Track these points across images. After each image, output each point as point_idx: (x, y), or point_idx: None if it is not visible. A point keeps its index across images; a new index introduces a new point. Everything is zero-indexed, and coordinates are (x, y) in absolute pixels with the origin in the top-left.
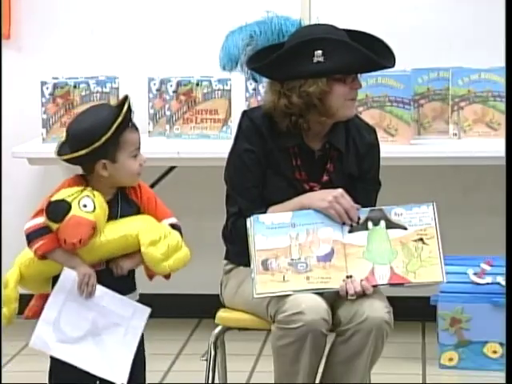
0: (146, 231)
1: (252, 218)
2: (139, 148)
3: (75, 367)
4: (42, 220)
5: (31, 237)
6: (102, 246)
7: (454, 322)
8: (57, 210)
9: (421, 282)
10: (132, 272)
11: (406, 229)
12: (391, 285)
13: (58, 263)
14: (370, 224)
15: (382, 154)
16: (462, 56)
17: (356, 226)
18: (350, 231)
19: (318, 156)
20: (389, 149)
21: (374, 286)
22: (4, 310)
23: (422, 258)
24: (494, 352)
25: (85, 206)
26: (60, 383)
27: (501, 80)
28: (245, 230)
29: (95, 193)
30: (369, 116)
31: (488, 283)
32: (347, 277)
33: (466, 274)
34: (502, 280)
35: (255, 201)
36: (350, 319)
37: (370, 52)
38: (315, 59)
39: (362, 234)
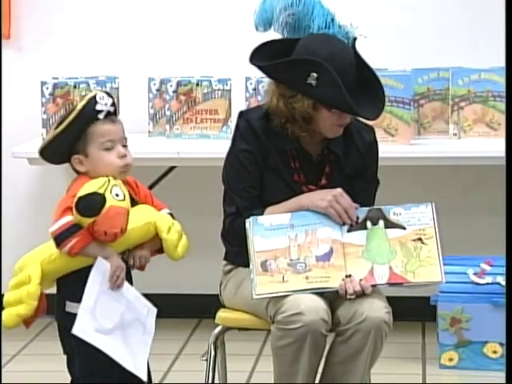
0: (161, 218)
1: (251, 219)
2: (115, 141)
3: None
4: (69, 218)
5: (62, 237)
6: (128, 234)
7: (454, 322)
8: (91, 204)
9: (420, 282)
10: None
11: (404, 228)
12: (390, 284)
13: (90, 257)
14: (368, 223)
15: (382, 154)
16: (461, 56)
17: (355, 226)
18: (348, 231)
19: (316, 160)
20: (389, 149)
21: (373, 286)
22: (22, 307)
23: (420, 258)
24: (494, 352)
25: (117, 195)
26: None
27: (501, 80)
28: (242, 230)
29: (119, 182)
30: None
31: (488, 283)
32: (346, 276)
33: (466, 274)
34: (502, 280)
35: (252, 200)
36: (349, 319)
37: (356, 97)
38: (309, 80)
39: (360, 234)
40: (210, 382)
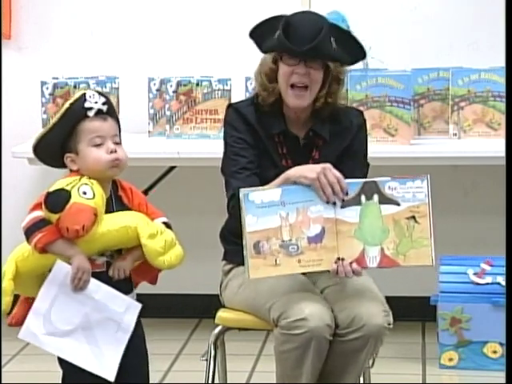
0: (144, 224)
1: (242, 194)
2: (104, 137)
3: (88, 372)
4: (39, 213)
5: (30, 231)
6: (102, 236)
7: (454, 322)
8: (56, 200)
9: (410, 266)
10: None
11: (398, 204)
12: (381, 267)
13: (57, 255)
14: (363, 198)
15: (382, 154)
16: (462, 56)
17: (348, 200)
18: (342, 206)
19: (302, 144)
20: (389, 149)
21: (364, 268)
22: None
23: (413, 238)
24: (494, 352)
25: (84, 193)
26: None
27: (501, 80)
28: (239, 210)
29: (92, 181)
30: (369, 116)
31: (488, 283)
32: (338, 259)
33: (466, 274)
34: (502, 280)
35: (246, 180)
36: (348, 324)
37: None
38: (333, 45)
39: (354, 210)
40: (209, 381)
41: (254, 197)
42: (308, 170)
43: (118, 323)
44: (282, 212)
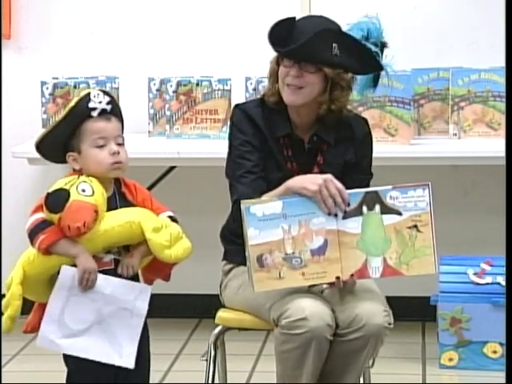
0: (147, 219)
1: (244, 207)
2: (107, 138)
3: (93, 371)
4: (40, 215)
5: (33, 233)
6: (105, 232)
7: (454, 322)
8: (56, 200)
9: (413, 275)
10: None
11: (400, 214)
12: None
13: (61, 256)
14: (364, 209)
15: (382, 154)
16: (462, 56)
17: (350, 211)
18: (344, 217)
19: (307, 148)
20: (389, 149)
21: (367, 278)
22: (9, 309)
23: (415, 248)
24: (494, 352)
25: (83, 190)
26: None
27: (501, 80)
28: (241, 219)
29: (92, 179)
30: (369, 116)
31: (488, 283)
32: (338, 278)
33: (466, 274)
34: (502, 280)
35: (251, 185)
36: (348, 324)
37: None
38: (334, 51)
39: (356, 220)
40: (210, 381)
41: (256, 209)
42: (309, 182)
43: (130, 310)
44: (284, 225)
